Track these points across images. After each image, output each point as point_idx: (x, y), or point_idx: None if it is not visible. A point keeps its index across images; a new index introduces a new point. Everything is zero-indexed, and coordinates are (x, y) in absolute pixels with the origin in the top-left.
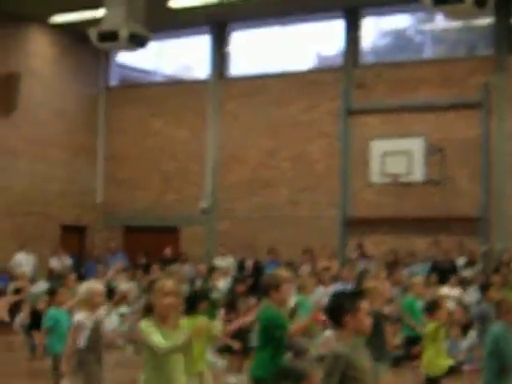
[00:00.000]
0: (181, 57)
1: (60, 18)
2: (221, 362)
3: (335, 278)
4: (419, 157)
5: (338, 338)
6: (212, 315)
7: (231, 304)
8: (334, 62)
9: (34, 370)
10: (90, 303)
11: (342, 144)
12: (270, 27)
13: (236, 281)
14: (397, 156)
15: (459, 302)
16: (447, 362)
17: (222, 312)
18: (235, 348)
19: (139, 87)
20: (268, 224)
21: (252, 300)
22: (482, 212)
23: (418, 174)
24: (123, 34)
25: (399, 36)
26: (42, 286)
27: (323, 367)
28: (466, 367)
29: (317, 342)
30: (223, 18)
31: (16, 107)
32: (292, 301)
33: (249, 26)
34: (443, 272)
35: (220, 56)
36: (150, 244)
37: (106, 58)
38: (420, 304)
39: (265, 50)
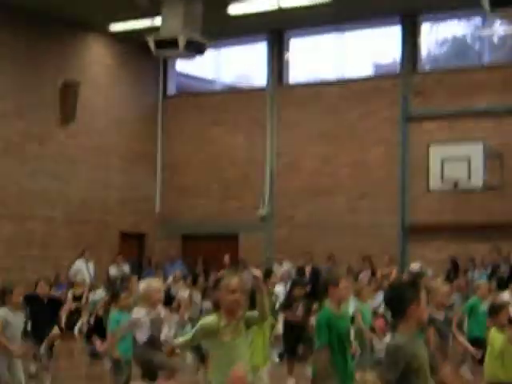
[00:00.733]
0: (239, 64)
1: (119, 27)
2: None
3: None
4: (478, 162)
5: (398, 329)
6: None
7: (288, 307)
8: (392, 69)
9: (93, 375)
10: (148, 300)
11: (400, 150)
12: (327, 34)
13: (294, 284)
14: (456, 162)
15: None
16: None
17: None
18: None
19: (198, 95)
20: (326, 231)
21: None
22: None
23: (477, 180)
24: (181, 41)
25: (457, 42)
26: (100, 293)
27: (384, 359)
28: None
29: (378, 347)
30: (281, 25)
31: (75, 116)
32: (351, 306)
33: (306, 33)
34: (503, 278)
35: (278, 63)
36: (209, 252)
37: (164, 66)
38: (484, 307)
39: (322, 56)
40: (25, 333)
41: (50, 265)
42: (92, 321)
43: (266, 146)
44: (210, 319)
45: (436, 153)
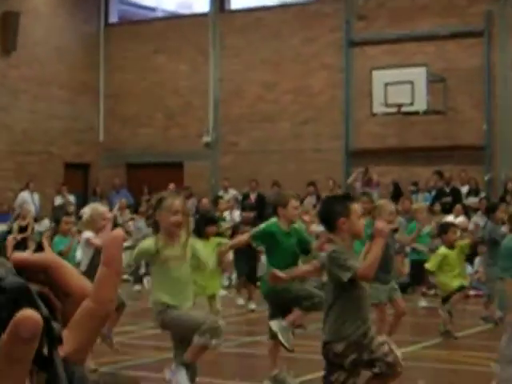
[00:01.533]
0: None
1: None
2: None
3: None
4: (422, 86)
5: (333, 241)
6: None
7: (236, 233)
8: None
9: None
10: (94, 225)
11: (344, 75)
12: None
13: (243, 208)
14: (399, 86)
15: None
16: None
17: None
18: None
19: (139, 23)
20: (271, 157)
21: None
22: (485, 141)
23: (420, 104)
24: None
25: None
26: (46, 223)
27: (329, 264)
28: (471, 292)
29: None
30: None
31: (16, 46)
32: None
33: None
34: (447, 201)
35: None
36: (154, 180)
37: None
38: (424, 230)
39: None
40: None
41: None
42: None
43: (208, 73)
44: (146, 243)
45: (379, 77)
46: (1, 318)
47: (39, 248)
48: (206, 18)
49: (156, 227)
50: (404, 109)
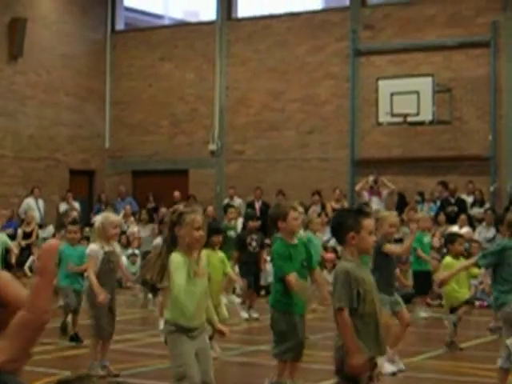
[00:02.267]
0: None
1: None
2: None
3: None
4: (428, 97)
5: (343, 256)
6: (228, 255)
7: (242, 243)
8: (341, 2)
9: None
10: (104, 234)
11: (350, 85)
12: None
13: (248, 217)
14: (405, 96)
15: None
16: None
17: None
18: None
19: (146, 31)
20: (276, 166)
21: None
22: (490, 151)
23: (426, 114)
24: None
25: None
26: (50, 230)
27: (334, 284)
28: (476, 303)
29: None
30: None
31: (22, 52)
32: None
33: None
34: (452, 213)
35: None
36: (159, 188)
37: (112, 0)
38: (427, 239)
39: None
40: None
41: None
42: None
43: (215, 81)
44: (178, 258)
45: (385, 87)
46: None
47: None
48: (212, 25)
49: (174, 242)
50: (410, 119)
